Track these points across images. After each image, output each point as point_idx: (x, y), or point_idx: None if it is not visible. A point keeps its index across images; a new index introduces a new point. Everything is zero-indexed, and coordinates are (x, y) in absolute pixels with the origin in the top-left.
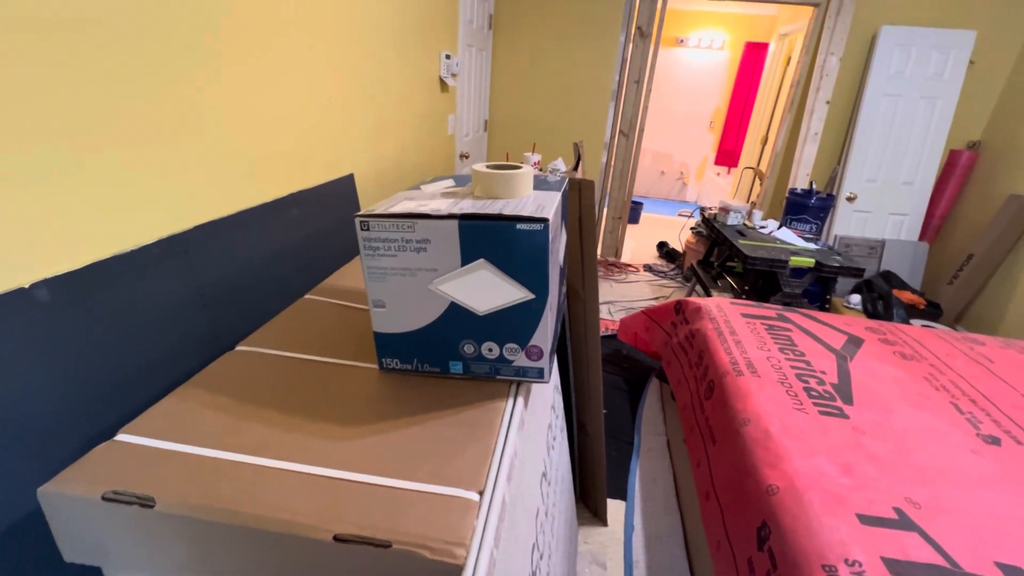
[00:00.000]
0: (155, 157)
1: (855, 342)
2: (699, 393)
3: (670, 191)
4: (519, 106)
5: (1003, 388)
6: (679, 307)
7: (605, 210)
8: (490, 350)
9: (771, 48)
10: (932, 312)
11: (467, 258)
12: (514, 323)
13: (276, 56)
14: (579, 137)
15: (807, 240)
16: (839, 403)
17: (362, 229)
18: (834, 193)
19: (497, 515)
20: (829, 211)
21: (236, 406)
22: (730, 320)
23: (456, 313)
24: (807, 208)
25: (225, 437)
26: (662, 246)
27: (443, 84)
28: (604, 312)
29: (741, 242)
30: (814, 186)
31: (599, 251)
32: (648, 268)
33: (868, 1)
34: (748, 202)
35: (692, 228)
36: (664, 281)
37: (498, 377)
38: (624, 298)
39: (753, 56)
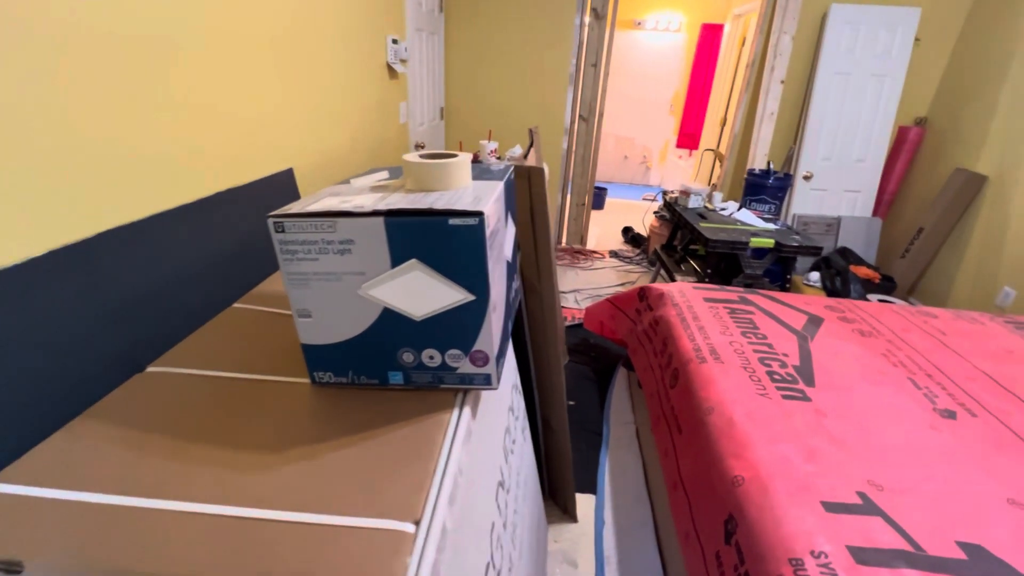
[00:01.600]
0: (46, 157)
1: (816, 322)
2: (664, 381)
3: (634, 176)
4: (476, 92)
5: (956, 360)
6: (643, 293)
7: (568, 197)
8: (431, 358)
9: (726, 29)
10: (887, 286)
11: (397, 259)
12: (455, 327)
13: (198, 38)
14: (537, 123)
15: (766, 220)
16: (801, 385)
17: (276, 231)
18: (791, 172)
19: (436, 546)
20: (787, 191)
21: (139, 438)
22: (693, 305)
23: (391, 319)
24: (765, 188)
25: (121, 478)
26: (627, 231)
27: (391, 71)
28: (570, 300)
29: (702, 225)
30: (771, 166)
31: (563, 239)
32: (614, 254)
33: None
34: (709, 184)
35: (655, 212)
36: (630, 267)
37: (442, 386)
38: (590, 285)
39: (709, 38)
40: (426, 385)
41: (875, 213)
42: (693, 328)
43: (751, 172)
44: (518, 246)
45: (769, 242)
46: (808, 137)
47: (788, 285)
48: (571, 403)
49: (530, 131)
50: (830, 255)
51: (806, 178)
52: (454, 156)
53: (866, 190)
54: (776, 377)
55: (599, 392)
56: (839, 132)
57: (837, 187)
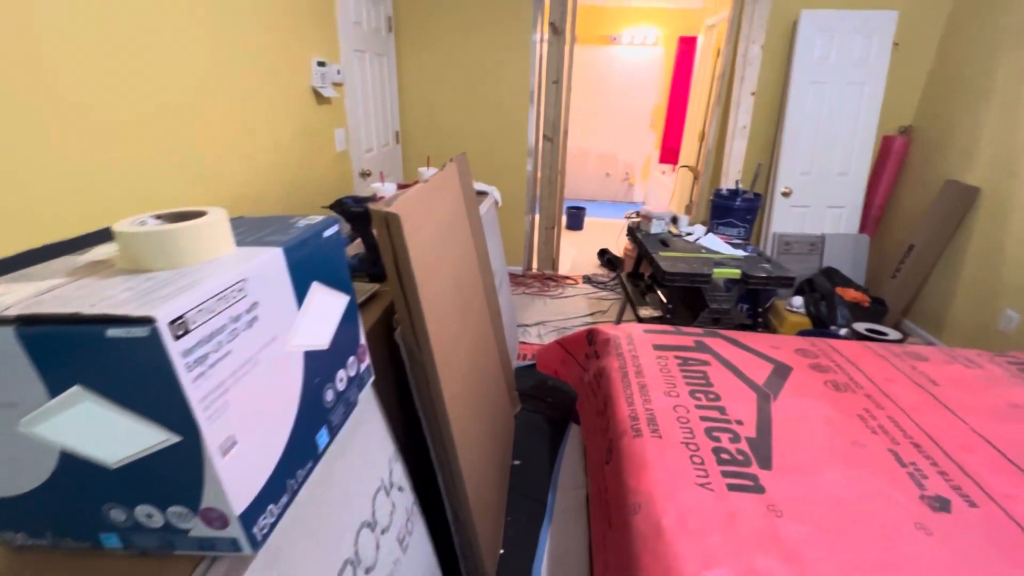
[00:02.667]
0: None
1: (782, 372)
2: (601, 453)
3: (616, 193)
4: (433, 115)
5: (949, 420)
6: (591, 337)
7: (537, 220)
8: (149, 516)
9: (700, 41)
10: (877, 310)
11: (54, 385)
12: (167, 478)
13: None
14: (500, 144)
15: (735, 246)
16: (754, 468)
17: None
18: (761, 192)
19: None
20: (756, 212)
21: None
22: (639, 356)
23: (78, 466)
24: (732, 211)
25: None
26: (603, 253)
27: (318, 95)
28: (533, 335)
29: (661, 254)
30: (739, 186)
31: (534, 264)
32: (588, 279)
33: None
34: (689, 202)
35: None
36: (603, 293)
37: (176, 553)
38: (558, 316)
39: (686, 50)
40: (156, 550)
41: (862, 230)
42: (634, 387)
43: (717, 193)
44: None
45: (735, 273)
46: (785, 151)
47: (760, 320)
48: (516, 463)
49: (453, 160)
50: (814, 277)
51: (785, 194)
52: (200, 215)
53: (851, 205)
54: (724, 457)
55: (551, 447)
56: (818, 145)
57: (819, 203)
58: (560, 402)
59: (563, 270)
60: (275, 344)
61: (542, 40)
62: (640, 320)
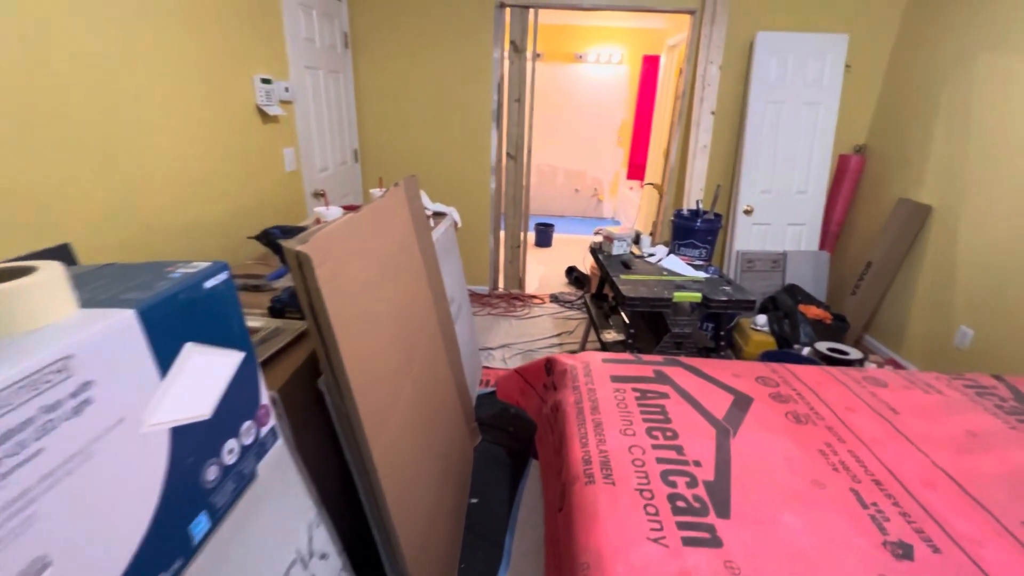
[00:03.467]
0: None
1: (743, 404)
2: (555, 498)
3: (586, 209)
4: (392, 133)
5: (910, 453)
6: (549, 367)
7: (502, 239)
8: None
9: (662, 60)
10: (839, 326)
11: None
12: None
13: None
14: (463, 163)
15: (697, 267)
16: (711, 518)
17: None
18: (721, 212)
19: None
20: (717, 233)
21: None
22: (596, 388)
23: None
24: (693, 232)
25: None
26: (571, 271)
27: (263, 114)
28: (497, 359)
29: (622, 277)
30: (700, 206)
31: (500, 283)
32: (555, 298)
33: (741, 8)
34: (655, 221)
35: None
36: (570, 312)
37: None
38: (523, 338)
39: (650, 69)
40: None
41: (822, 246)
42: (589, 425)
43: (678, 214)
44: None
45: (695, 297)
46: (745, 170)
47: (723, 342)
48: (473, 501)
49: (399, 183)
50: (777, 294)
51: (747, 212)
52: (27, 272)
53: (810, 223)
54: (680, 505)
55: (512, 482)
56: (777, 163)
57: (780, 221)
58: (522, 431)
59: (530, 289)
60: (122, 428)
61: (503, 58)
62: (603, 345)
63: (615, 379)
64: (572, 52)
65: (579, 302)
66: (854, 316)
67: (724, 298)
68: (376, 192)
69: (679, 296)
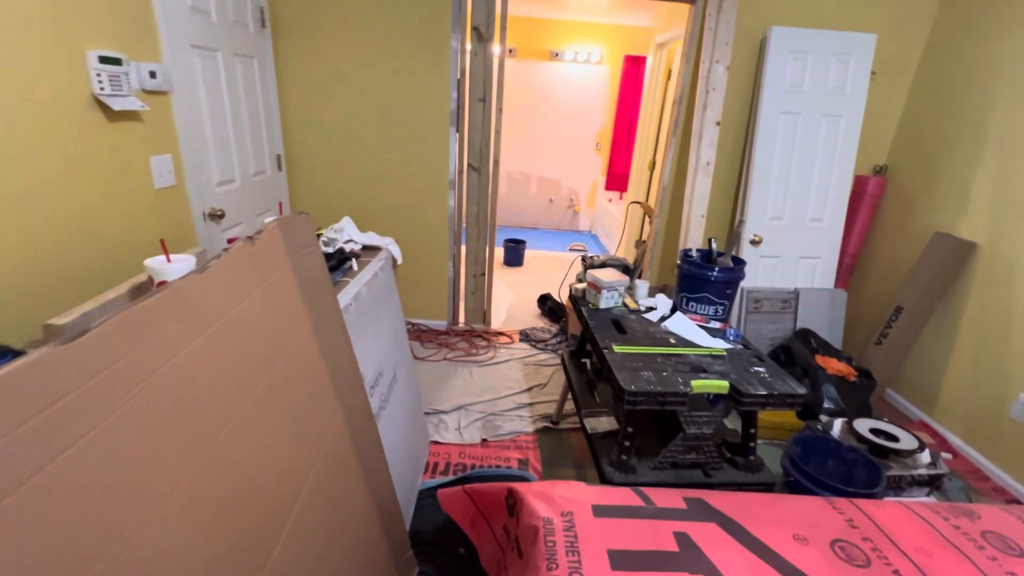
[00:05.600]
0: None
1: None
2: None
3: (561, 221)
4: (328, 135)
5: None
6: (511, 502)
7: (463, 265)
8: None
9: (649, 61)
10: (864, 385)
11: None
12: None
13: None
14: (414, 174)
15: (712, 332)
16: None
17: None
18: (741, 255)
19: None
20: (738, 286)
21: None
22: (581, 552)
23: None
24: (707, 283)
25: None
26: (544, 301)
27: (106, 108)
28: (451, 427)
29: (616, 351)
30: (714, 246)
31: (460, 318)
32: (525, 336)
33: None
34: (638, 244)
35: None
36: (543, 356)
37: None
38: (485, 395)
39: (633, 70)
40: None
41: (836, 283)
42: None
43: (685, 257)
44: None
45: (721, 386)
46: (753, 193)
47: (753, 443)
48: None
49: (270, 225)
50: (791, 342)
51: (754, 243)
52: None
53: (826, 256)
54: None
55: None
56: (790, 186)
57: (792, 253)
58: (475, 555)
59: (497, 322)
60: None
61: (463, 48)
62: (588, 437)
63: (616, 555)
64: (547, 49)
65: (554, 341)
66: (880, 370)
67: (762, 391)
68: (180, 261)
69: (699, 386)
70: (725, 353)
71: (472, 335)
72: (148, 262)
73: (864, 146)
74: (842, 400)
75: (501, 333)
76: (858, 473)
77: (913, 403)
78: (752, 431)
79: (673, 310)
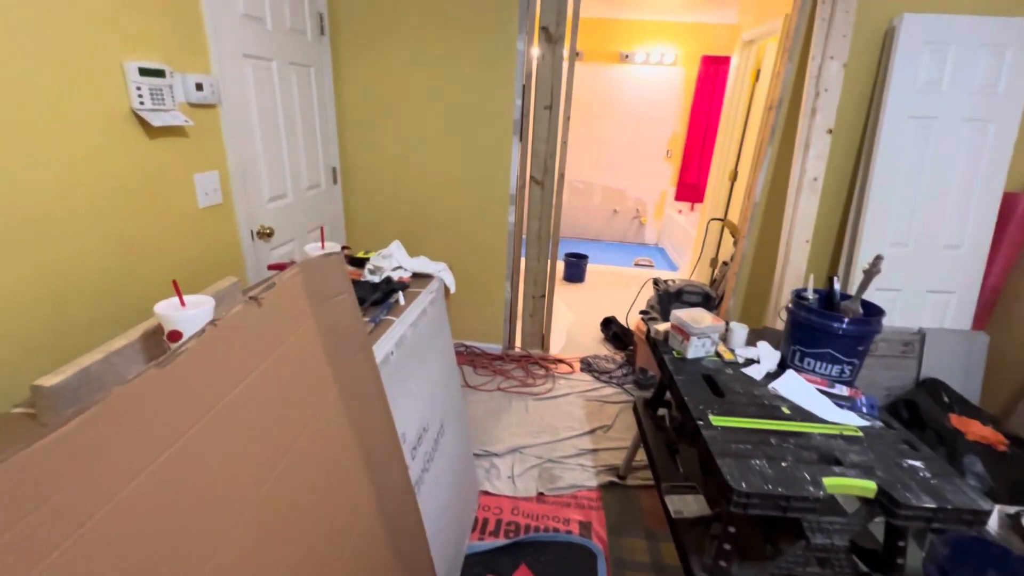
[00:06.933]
0: None
1: None
2: None
3: (625, 232)
4: (386, 146)
5: None
6: None
7: (522, 286)
8: None
9: (733, 61)
10: (1019, 455)
11: None
12: None
13: None
14: (474, 187)
15: (839, 401)
16: None
17: None
18: (873, 301)
19: None
20: (871, 341)
21: None
22: None
23: None
24: (832, 338)
25: None
26: (607, 324)
27: (145, 124)
28: (503, 473)
29: (713, 423)
30: (837, 287)
31: (517, 342)
32: (587, 366)
33: None
34: (715, 267)
35: (641, 313)
36: (608, 391)
37: None
38: (542, 436)
39: (712, 72)
40: None
41: (974, 324)
42: None
43: (799, 300)
44: None
45: (866, 487)
46: (871, 213)
47: (902, 562)
48: None
49: (290, 271)
50: (915, 395)
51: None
52: None
53: (962, 290)
54: None
55: None
56: (917, 205)
57: (916, 286)
58: None
59: (556, 347)
60: None
61: (531, 51)
62: (671, 521)
63: None
64: (616, 51)
65: (619, 373)
66: None
67: (928, 503)
68: (313, 248)
69: (834, 486)
70: (861, 433)
71: (529, 361)
72: (159, 308)
73: (1015, 158)
74: (990, 477)
75: (561, 360)
76: None
77: None
78: (901, 544)
79: (782, 366)
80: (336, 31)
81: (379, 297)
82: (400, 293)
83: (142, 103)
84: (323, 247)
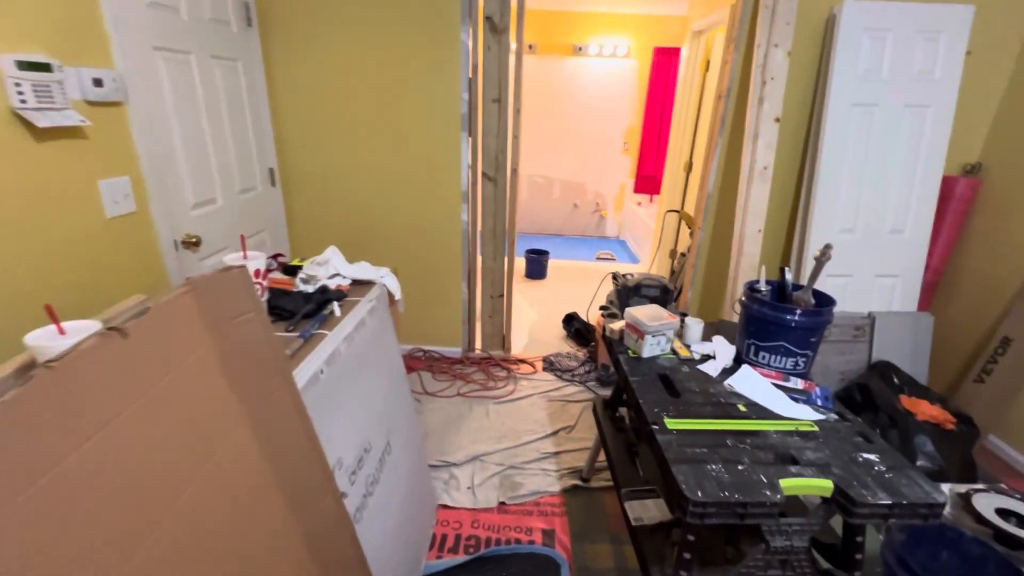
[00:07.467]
0: None
1: None
2: None
3: (586, 226)
4: (327, 145)
5: None
6: None
7: (479, 288)
8: None
9: (684, 52)
10: (965, 433)
11: None
12: None
13: None
14: (423, 185)
15: (794, 395)
16: None
17: None
18: (824, 287)
19: None
20: (823, 331)
21: None
22: None
23: None
24: (785, 330)
25: None
26: (569, 321)
27: (29, 125)
28: (462, 484)
29: (668, 426)
30: (789, 277)
31: (477, 343)
32: (549, 365)
33: None
34: (674, 257)
35: (600, 309)
36: (571, 389)
37: None
38: (504, 441)
39: (664, 63)
40: None
41: (919, 305)
42: None
43: (751, 293)
44: None
45: (822, 487)
46: (819, 201)
47: (860, 557)
48: None
49: (177, 294)
50: (868, 379)
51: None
52: None
53: (907, 274)
54: None
55: None
56: (863, 191)
57: (865, 271)
58: None
59: (517, 348)
60: None
61: (475, 42)
62: (631, 528)
63: None
64: (569, 43)
65: (582, 371)
66: (982, 413)
67: (884, 499)
68: (231, 258)
69: (791, 487)
70: (816, 428)
71: (490, 363)
72: (30, 339)
73: (955, 141)
74: (940, 456)
75: (523, 361)
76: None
77: (1020, 451)
78: (859, 539)
79: (737, 360)
80: (265, 23)
81: (311, 309)
82: (336, 304)
83: (24, 102)
84: (245, 257)
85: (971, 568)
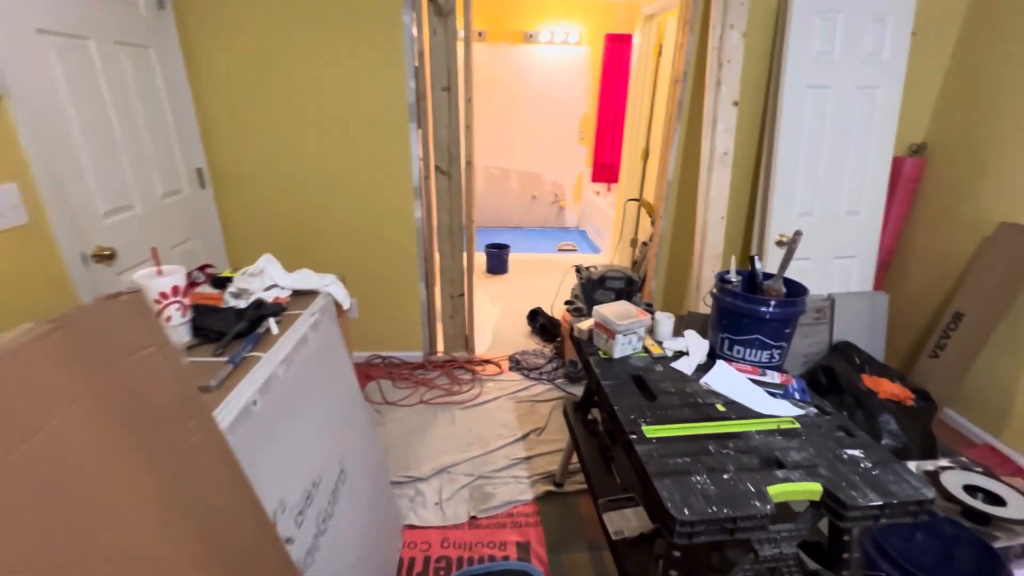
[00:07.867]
0: None
1: None
2: None
3: (546, 218)
4: (262, 141)
5: None
6: None
7: (438, 288)
8: None
9: (635, 38)
10: (924, 409)
11: None
12: None
13: None
14: (373, 182)
15: (771, 390)
16: None
17: None
18: (788, 273)
19: None
20: (797, 322)
21: None
22: None
23: None
24: (760, 322)
25: None
26: (534, 317)
27: None
28: (430, 499)
29: (647, 433)
30: (759, 266)
31: (439, 346)
32: (516, 364)
33: None
34: (635, 247)
35: (566, 304)
36: (539, 388)
37: None
38: (471, 449)
39: (616, 50)
40: None
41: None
42: None
43: (723, 286)
44: None
45: (811, 490)
46: (778, 185)
47: (848, 556)
48: None
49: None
50: (831, 361)
51: (780, 244)
52: None
53: (863, 254)
54: None
55: None
56: (820, 174)
57: (823, 254)
58: None
59: (481, 348)
60: None
61: (420, 26)
62: (610, 542)
63: None
64: (520, 30)
65: (549, 368)
66: (938, 387)
67: (875, 499)
68: (142, 278)
69: (780, 493)
70: (798, 424)
71: (453, 366)
72: None
73: (901, 123)
74: (903, 433)
75: (488, 361)
76: (961, 556)
77: (977, 424)
78: (846, 539)
79: (711, 356)
80: (180, 5)
81: (244, 328)
82: (272, 320)
83: None
84: (159, 272)
85: (945, 547)
